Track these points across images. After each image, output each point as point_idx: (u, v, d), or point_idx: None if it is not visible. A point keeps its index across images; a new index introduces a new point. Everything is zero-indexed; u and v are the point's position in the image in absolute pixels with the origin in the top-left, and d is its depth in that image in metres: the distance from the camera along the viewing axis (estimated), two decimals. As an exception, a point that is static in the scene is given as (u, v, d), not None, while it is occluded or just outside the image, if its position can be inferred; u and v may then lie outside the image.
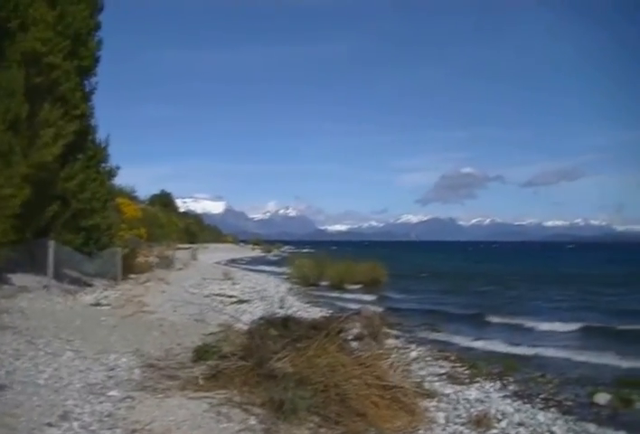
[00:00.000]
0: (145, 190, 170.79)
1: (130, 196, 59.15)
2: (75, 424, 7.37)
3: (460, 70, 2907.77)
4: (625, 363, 16.56)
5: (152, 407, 8.13)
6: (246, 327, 10.96)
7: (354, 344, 9.98)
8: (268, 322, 10.31)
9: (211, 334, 12.69)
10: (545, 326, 22.71)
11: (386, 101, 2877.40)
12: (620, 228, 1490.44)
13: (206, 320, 16.77)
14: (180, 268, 40.34)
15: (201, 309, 18.75)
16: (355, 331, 10.21)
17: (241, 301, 25.03)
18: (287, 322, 10.16)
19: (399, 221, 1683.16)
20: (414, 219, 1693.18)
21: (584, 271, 64.31)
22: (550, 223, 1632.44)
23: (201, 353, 10.52)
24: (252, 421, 7.87)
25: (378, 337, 10.35)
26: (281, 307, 18.82)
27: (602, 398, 12.36)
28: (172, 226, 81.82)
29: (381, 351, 9.98)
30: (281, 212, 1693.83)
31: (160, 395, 8.69)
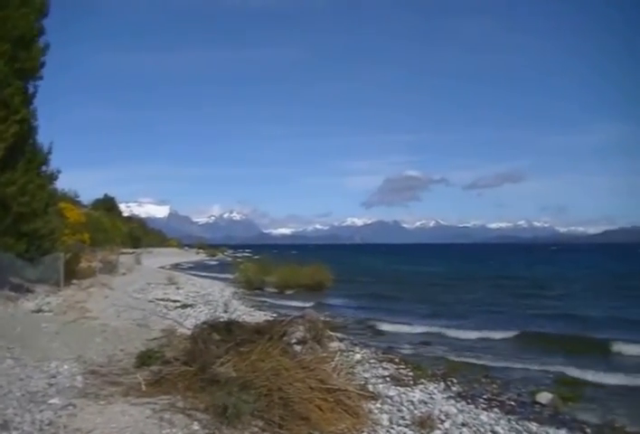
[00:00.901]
0: (88, 194, 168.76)
1: (73, 201, 58.48)
2: (14, 434, 7.27)
3: (405, 73, 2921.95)
4: (566, 365, 16.83)
5: (94, 414, 8.03)
6: (189, 332, 10.90)
7: (298, 348, 9.97)
8: (212, 326, 10.26)
9: (154, 339, 12.60)
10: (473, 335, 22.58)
11: (330, 105, 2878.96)
12: (562, 229, 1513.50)
13: (150, 325, 16.65)
14: (124, 273, 39.95)
15: (144, 314, 18.64)
16: (299, 334, 10.18)
17: (185, 306, 24.89)
18: (230, 326, 10.13)
19: (343, 225, 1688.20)
20: (359, 222, 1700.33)
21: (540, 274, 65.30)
22: (494, 225, 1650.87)
23: (144, 359, 10.44)
24: (195, 427, 7.82)
25: (321, 341, 10.33)
26: (225, 312, 18.81)
27: (544, 397, 12.53)
28: (115, 231, 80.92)
29: (324, 354, 9.99)
30: (226, 215, 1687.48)
31: (102, 402, 8.59)
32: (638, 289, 41.21)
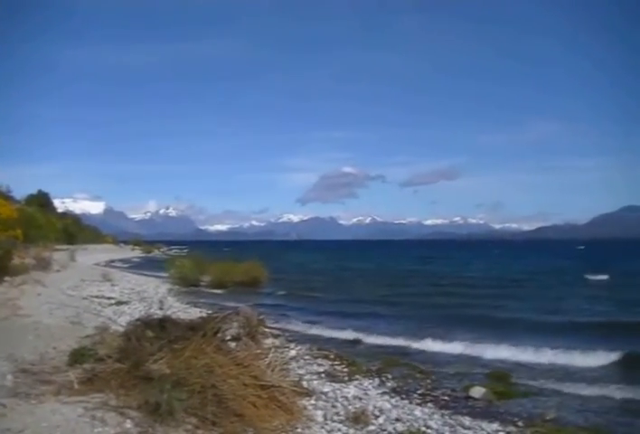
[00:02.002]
0: (21, 190, 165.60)
1: (5, 196, 57.46)
2: (-60, 436, 7.14)
3: (342, 70, 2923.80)
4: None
5: (24, 414, 7.88)
6: (123, 329, 10.79)
7: (232, 345, 9.93)
8: (145, 323, 10.15)
9: (87, 336, 12.41)
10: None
11: (266, 100, 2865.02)
12: (497, 226, 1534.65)
13: (83, 323, 16.39)
14: (58, 270, 39.26)
15: (78, 312, 18.35)
16: (233, 331, 10.13)
17: (120, 303, 24.67)
18: (164, 323, 10.03)
19: (280, 221, 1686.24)
20: (295, 218, 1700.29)
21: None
22: (429, 222, 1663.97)
23: (76, 357, 10.29)
24: (128, 425, 7.73)
25: (256, 337, 10.29)
26: (160, 309, 18.59)
27: (477, 392, 12.67)
28: (50, 227, 79.85)
29: (258, 350, 9.97)
30: (162, 211, 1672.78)
31: (33, 401, 8.43)
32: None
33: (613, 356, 16.41)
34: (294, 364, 13.62)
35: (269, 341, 13.84)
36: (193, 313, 22.02)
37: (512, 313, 26.13)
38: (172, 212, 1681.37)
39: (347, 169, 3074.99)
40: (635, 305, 29.46)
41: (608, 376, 14.87)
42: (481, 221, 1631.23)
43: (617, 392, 13.33)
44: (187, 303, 27.75)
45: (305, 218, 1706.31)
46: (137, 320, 10.58)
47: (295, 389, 9.69)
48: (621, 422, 11.17)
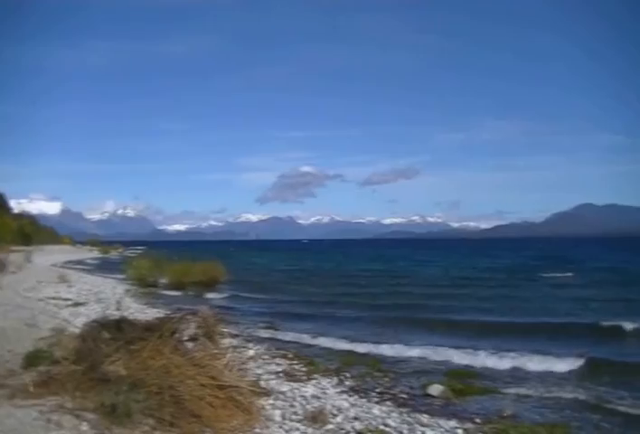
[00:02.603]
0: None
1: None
2: None
3: (300, 70, 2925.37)
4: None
5: (-23, 418, 7.79)
6: (79, 331, 10.69)
7: (189, 345, 9.89)
8: (102, 325, 10.07)
9: (43, 338, 12.28)
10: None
11: (223, 100, 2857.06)
12: (455, 224, 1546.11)
13: (39, 325, 16.21)
14: (13, 272, 38.82)
15: (34, 313, 18.18)
16: (190, 331, 10.09)
17: (77, 304, 24.46)
18: (120, 324, 9.96)
19: (238, 221, 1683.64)
20: (254, 218, 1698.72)
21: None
22: (388, 221, 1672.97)
23: (31, 359, 10.20)
24: (84, 427, 7.66)
25: (213, 337, 10.24)
26: (118, 309, 18.51)
27: (435, 389, 12.75)
28: (5, 228, 79.01)
29: (216, 351, 9.92)
30: (119, 212, 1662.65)
31: (-13, 405, 8.35)
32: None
33: (572, 360, 16.52)
34: (252, 364, 13.56)
35: (227, 341, 13.75)
36: (151, 313, 21.82)
37: (473, 315, 26.04)
38: (130, 213, 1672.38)
39: (306, 168, 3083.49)
40: (594, 303, 29.84)
41: (565, 378, 14.96)
42: (439, 220, 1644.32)
43: (573, 392, 13.52)
44: (145, 303, 27.62)
45: (264, 217, 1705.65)
46: (94, 321, 10.49)
47: (253, 389, 9.66)
48: (577, 418, 11.29)
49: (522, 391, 13.37)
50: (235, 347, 13.77)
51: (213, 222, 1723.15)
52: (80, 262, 77.40)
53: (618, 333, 20.42)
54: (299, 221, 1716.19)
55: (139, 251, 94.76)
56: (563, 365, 15.61)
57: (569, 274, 50.89)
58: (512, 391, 13.50)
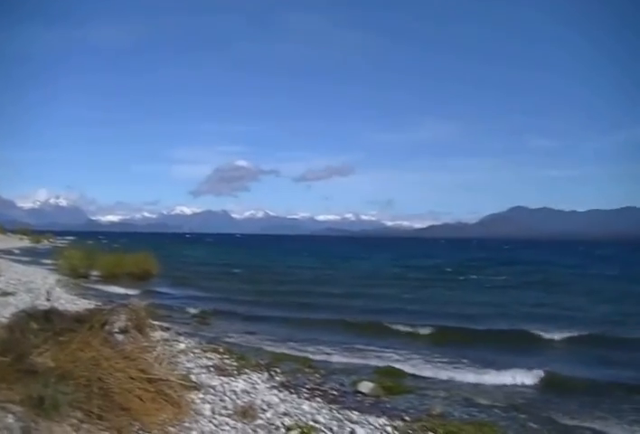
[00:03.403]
0: None
1: None
2: None
3: (235, 63, 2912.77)
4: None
5: None
6: (6, 321, 10.49)
7: (119, 337, 9.77)
8: (30, 315, 9.89)
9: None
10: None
11: (160, 91, 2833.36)
12: (389, 223, 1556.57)
13: (-36, 315, 15.91)
14: (-63, 260, 38.06)
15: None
16: (120, 323, 9.95)
17: (6, 294, 23.96)
18: (49, 315, 9.79)
19: (172, 213, 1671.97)
20: (188, 211, 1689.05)
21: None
22: (322, 217, 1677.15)
23: (-44, 350, 9.98)
24: (10, 420, 7.48)
25: (144, 330, 10.12)
26: (48, 300, 18.25)
27: (365, 386, 12.83)
28: None
29: (146, 343, 9.81)
30: (52, 201, 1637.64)
31: None
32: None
33: (501, 366, 16.77)
34: (182, 358, 13.51)
35: (158, 334, 13.65)
36: (82, 304, 21.53)
37: (407, 317, 25.95)
38: (62, 202, 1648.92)
39: (241, 163, 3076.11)
40: (516, 308, 30.29)
41: (495, 382, 15.15)
42: (373, 218, 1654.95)
43: (499, 390, 13.77)
44: (76, 294, 27.23)
45: (198, 211, 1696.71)
46: (22, 312, 10.30)
47: (183, 382, 9.58)
48: (505, 417, 11.48)
49: (452, 391, 13.54)
50: (166, 340, 13.70)
51: (147, 214, 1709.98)
52: (9, 251, 75.94)
53: (538, 340, 20.69)
54: (233, 216, 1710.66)
55: (71, 241, 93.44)
56: (492, 371, 15.78)
57: (502, 277, 51.65)
58: (441, 387, 13.71)
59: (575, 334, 20.84)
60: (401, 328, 22.27)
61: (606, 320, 25.15)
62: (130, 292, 29.73)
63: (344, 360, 16.72)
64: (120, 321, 9.96)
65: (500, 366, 15.92)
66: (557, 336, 20.74)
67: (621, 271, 61.21)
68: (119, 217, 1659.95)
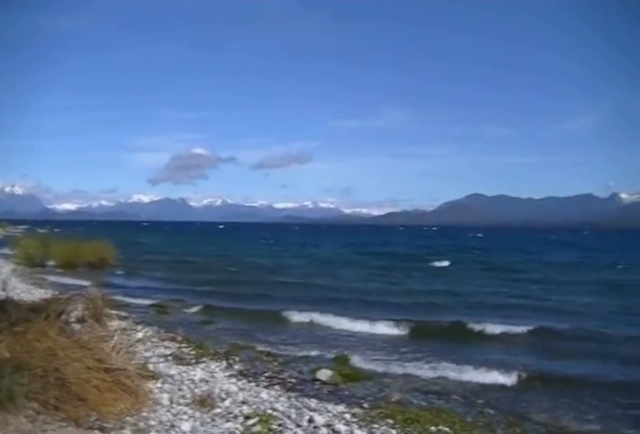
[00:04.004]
0: None
1: None
2: None
3: (194, 50, 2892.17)
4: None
5: None
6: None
7: (76, 327, 9.71)
8: (-15, 305, 9.81)
9: None
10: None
11: (115, 77, 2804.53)
12: (347, 210, 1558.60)
13: None
14: None
15: None
16: (77, 313, 9.90)
17: (-41, 284, 23.72)
18: (4, 305, 9.72)
19: (130, 201, 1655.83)
20: (145, 199, 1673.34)
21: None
22: (280, 205, 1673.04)
23: None
24: (-37, 411, 7.45)
25: (101, 319, 10.09)
26: (3, 290, 18.02)
27: (324, 374, 12.84)
28: None
29: (103, 333, 9.77)
30: (7, 189, 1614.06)
31: None
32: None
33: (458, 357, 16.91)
34: (140, 347, 13.45)
35: (115, 323, 13.61)
36: (38, 294, 21.38)
37: (364, 308, 26.12)
38: (18, 190, 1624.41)
39: (199, 150, 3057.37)
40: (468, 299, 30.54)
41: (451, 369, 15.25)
42: (332, 206, 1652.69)
43: (456, 375, 13.88)
44: (32, 284, 26.99)
45: (156, 199, 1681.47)
46: (-24, 302, 10.21)
47: (140, 372, 9.55)
48: (462, 404, 11.58)
49: (410, 378, 13.62)
50: (123, 330, 13.61)
51: (104, 202, 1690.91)
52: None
53: (481, 335, 20.66)
54: (191, 204, 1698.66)
55: (27, 230, 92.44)
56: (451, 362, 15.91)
57: (449, 263, 52.02)
58: (399, 374, 13.80)
59: (531, 327, 20.74)
60: (358, 318, 22.33)
61: (561, 310, 25.32)
62: (87, 281, 29.44)
63: (303, 349, 16.72)
64: (77, 310, 9.92)
65: (458, 357, 16.07)
66: (511, 329, 20.54)
67: (580, 258, 62.04)
68: (76, 205, 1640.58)
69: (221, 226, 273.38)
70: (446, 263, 51.88)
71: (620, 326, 21.01)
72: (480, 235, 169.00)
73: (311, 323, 21.17)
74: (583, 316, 23.56)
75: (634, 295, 30.18)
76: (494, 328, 19.87)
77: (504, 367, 14.58)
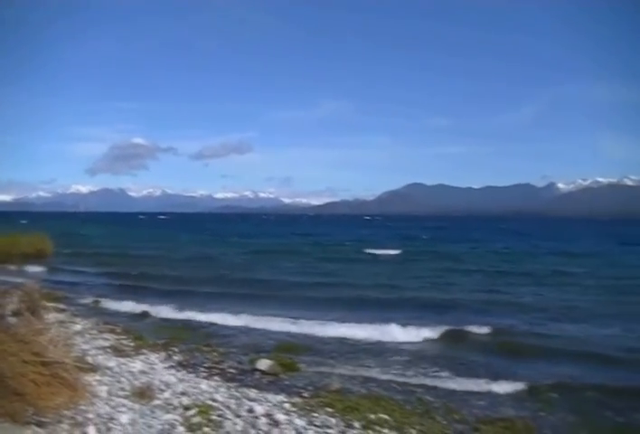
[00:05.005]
0: None
1: None
2: None
3: (133, 40, 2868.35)
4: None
5: None
6: None
7: (12, 320, 9.59)
8: None
9: None
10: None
11: (53, 68, 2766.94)
12: (287, 200, 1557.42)
13: None
14: None
15: None
16: (13, 306, 9.77)
17: None
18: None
19: (68, 192, 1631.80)
20: (84, 189, 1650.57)
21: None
22: (220, 195, 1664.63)
23: None
24: None
25: (38, 312, 9.97)
26: None
27: (263, 364, 12.87)
28: None
29: (40, 326, 9.64)
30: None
31: None
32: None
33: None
34: (79, 339, 13.36)
35: (53, 316, 13.48)
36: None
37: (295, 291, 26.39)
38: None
39: (138, 140, 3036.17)
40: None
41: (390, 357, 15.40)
42: (271, 196, 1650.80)
43: (397, 364, 14.04)
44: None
45: (95, 189, 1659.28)
46: None
47: (78, 365, 9.45)
48: (401, 391, 11.72)
49: (350, 366, 13.72)
50: (61, 322, 13.54)
51: (42, 193, 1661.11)
52: None
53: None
54: (131, 194, 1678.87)
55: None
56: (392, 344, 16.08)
57: (394, 252, 52.29)
58: (339, 363, 13.90)
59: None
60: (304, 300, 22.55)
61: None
62: (23, 274, 29.09)
63: (243, 337, 16.77)
64: (13, 303, 9.80)
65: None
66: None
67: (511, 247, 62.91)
68: (12, 196, 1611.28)
69: (162, 217, 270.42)
70: (391, 252, 52.04)
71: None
72: (430, 225, 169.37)
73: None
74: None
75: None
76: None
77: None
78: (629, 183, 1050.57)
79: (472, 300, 24.28)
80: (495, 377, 12.93)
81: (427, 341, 16.91)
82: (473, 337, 17.49)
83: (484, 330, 17.94)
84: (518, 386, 12.26)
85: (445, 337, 17.29)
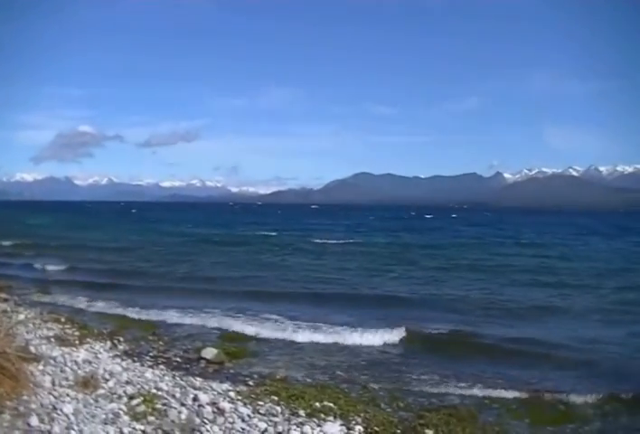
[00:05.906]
0: None
1: None
2: None
3: (71, 22, 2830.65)
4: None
5: None
6: None
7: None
8: None
9: None
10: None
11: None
12: (235, 189, 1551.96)
13: None
14: None
15: None
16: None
17: None
18: None
19: (12, 180, 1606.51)
20: (29, 178, 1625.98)
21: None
22: (167, 184, 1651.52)
23: None
24: None
25: (-21, 302, 9.89)
26: None
27: (209, 353, 12.91)
28: None
29: (-18, 316, 9.59)
30: None
31: None
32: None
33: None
34: (22, 329, 13.21)
35: (-4, 305, 13.34)
36: None
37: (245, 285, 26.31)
38: None
39: (84, 128, 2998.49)
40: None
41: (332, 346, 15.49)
42: (219, 184, 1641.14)
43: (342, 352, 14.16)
44: None
45: (40, 178, 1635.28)
46: None
47: (21, 354, 9.37)
48: (346, 379, 11.83)
49: (295, 354, 13.81)
50: (4, 312, 13.38)
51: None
52: None
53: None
54: (76, 182, 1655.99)
55: None
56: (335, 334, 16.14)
57: (341, 241, 52.63)
58: (284, 352, 13.98)
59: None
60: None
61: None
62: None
63: (189, 327, 16.77)
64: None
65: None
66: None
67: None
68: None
69: (109, 205, 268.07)
70: (333, 241, 52.39)
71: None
72: (379, 215, 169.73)
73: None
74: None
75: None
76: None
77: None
78: (574, 173, 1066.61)
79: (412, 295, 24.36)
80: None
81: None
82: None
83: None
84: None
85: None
